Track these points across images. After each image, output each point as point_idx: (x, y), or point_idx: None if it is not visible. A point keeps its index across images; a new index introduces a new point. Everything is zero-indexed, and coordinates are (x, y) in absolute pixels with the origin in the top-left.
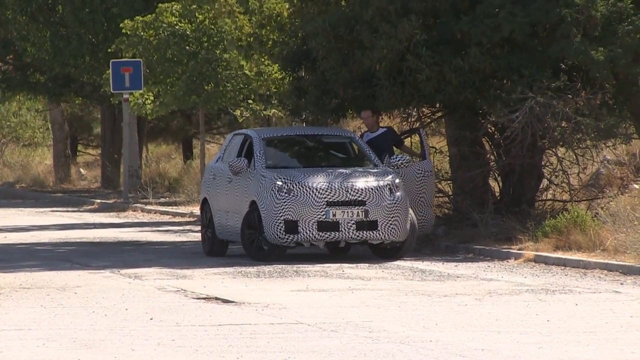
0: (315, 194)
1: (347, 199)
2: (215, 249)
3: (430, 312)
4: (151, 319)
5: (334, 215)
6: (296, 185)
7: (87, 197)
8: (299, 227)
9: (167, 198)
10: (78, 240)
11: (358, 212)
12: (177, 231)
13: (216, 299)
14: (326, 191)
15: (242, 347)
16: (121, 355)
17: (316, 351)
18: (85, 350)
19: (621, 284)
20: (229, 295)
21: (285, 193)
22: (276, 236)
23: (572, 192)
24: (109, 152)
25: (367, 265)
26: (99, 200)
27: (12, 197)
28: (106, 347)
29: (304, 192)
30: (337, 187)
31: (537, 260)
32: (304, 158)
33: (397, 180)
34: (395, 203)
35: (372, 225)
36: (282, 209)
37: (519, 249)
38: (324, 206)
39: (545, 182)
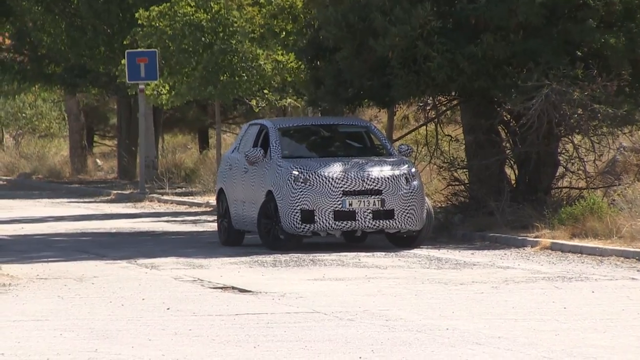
0: (331, 184)
1: (363, 188)
2: (231, 239)
3: (446, 300)
4: (168, 308)
5: (351, 204)
6: (312, 174)
7: (104, 188)
8: (315, 217)
9: (184, 188)
10: (95, 230)
11: (374, 201)
12: (193, 221)
13: (233, 288)
14: (342, 180)
15: (259, 336)
16: (138, 345)
17: (333, 340)
18: (102, 340)
19: (638, 271)
20: (246, 284)
21: (302, 183)
22: (293, 226)
23: (588, 179)
24: (125, 142)
25: (383, 253)
26: (115, 191)
27: (29, 189)
28: (123, 337)
29: (320, 181)
30: (353, 176)
31: (554, 247)
32: (320, 148)
33: (413, 170)
34: (411, 192)
35: (389, 214)
36: (299, 199)
37: (535, 237)
38: (341, 195)
39: (561, 169)
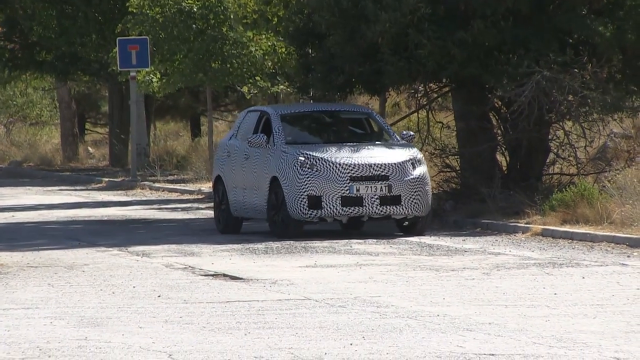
0: (338, 169)
1: (370, 174)
2: (229, 227)
3: (437, 286)
4: (159, 296)
5: (358, 190)
6: (319, 160)
7: (95, 176)
8: (322, 203)
9: (175, 176)
10: (86, 218)
11: (382, 187)
12: (185, 209)
13: (224, 275)
14: (349, 166)
15: (250, 323)
16: (129, 333)
17: (324, 327)
18: (92, 328)
19: (628, 256)
20: (237, 271)
21: (308, 168)
22: (299, 212)
23: (579, 165)
24: (117, 130)
25: (375, 240)
26: (107, 179)
27: (20, 176)
28: (114, 325)
29: (327, 167)
30: (360, 162)
31: (545, 233)
32: (323, 134)
33: (419, 155)
34: (417, 178)
35: (396, 200)
36: (306, 185)
37: (526, 223)
38: (348, 181)
39: (552, 156)
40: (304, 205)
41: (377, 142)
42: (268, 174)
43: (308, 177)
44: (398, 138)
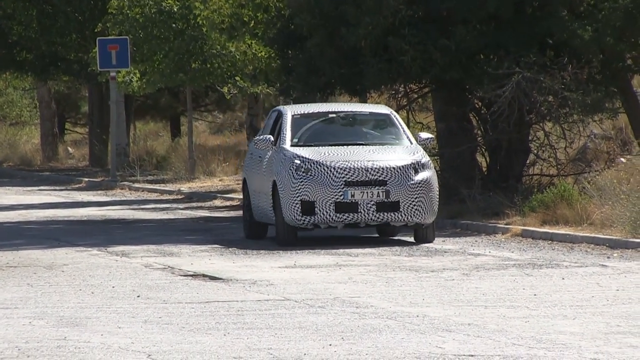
0: (333, 174)
1: (367, 179)
2: (253, 232)
3: (417, 287)
4: (138, 296)
5: (353, 195)
6: (314, 164)
7: (75, 176)
8: (315, 208)
9: (155, 176)
10: (66, 218)
11: (379, 193)
12: (164, 209)
13: (203, 276)
14: (345, 171)
15: (229, 323)
16: (107, 333)
17: (303, 327)
18: (71, 328)
19: (608, 257)
20: (217, 272)
21: (303, 172)
22: (293, 217)
23: (559, 166)
24: (97, 130)
25: (355, 241)
26: (86, 179)
27: (0, 176)
28: (93, 325)
29: (321, 171)
30: (356, 166)
31: (524, 234)
32: (334, 136)
33: (423, 160)
34: (419, 183)
35: (394, 207)
36: (299, 189)
37: (506, 224)
38: (342, 186)
39: (532, 156)
40: (297, 210)
41: (386, 145)
42: (271, 177)
43: (302, 182)
44: (413, 141)
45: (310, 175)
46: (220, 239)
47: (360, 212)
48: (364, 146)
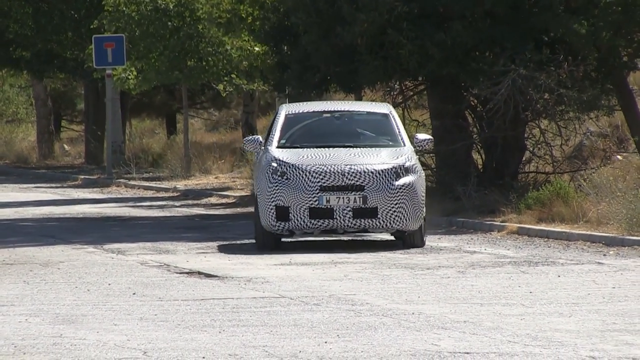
0: (308, 178)
1: (343, 184)
2: (260, 239)
3: (413, 284)
4: (134, 293)
5: (328, 201)
6: (290, 167)
7: (71, 173)
8: (290, 214)
9: (151, 173)
10: (61, 216)
11: (355, 198)
12: (160, 206)
13: (199, 273)
14: (320, 174)
15: (225, 321)
16: (103, 330)
17: (298, 325)
18: (67, 325)
19: (604, 255)
20: (212, 269)
21: (279, 176)
22: (269, 223)
23: (555, 164)
24: (93, 128)
25: (350, 238)
26: (82, 176)
27: None
28: (89, 322)
29: (296, 175)
30: (333, 170)
31: (520, 232)
32: (323, 137)
33: (407, 164)
34: (401, 188)
35: (372, 213)
36: (274, 194)
37: (502, 222)
38: (317, 191)
39: (528, 154)
40: (272, 216)
41: (375, 147)
42: (255, 180)
43: (277, 186)
44: (406, 142)
45: (286, 179)
46: (215, 236)
47: (336, 218)
48: (351, 148)
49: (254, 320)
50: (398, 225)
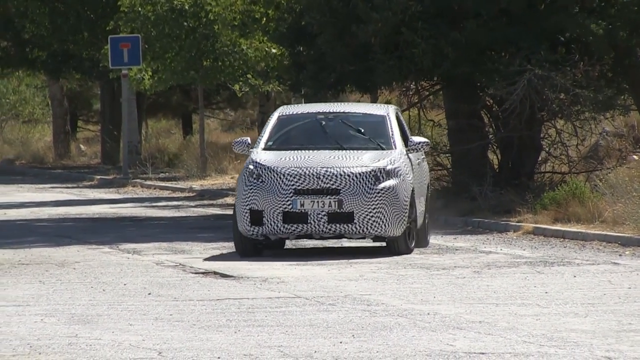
0: (282, 181)
1: (317, 187)
2: (269, 244)
3: (428, 285)
4: (149, 294)
5: (302, 205)
6: (265, 170)
7: (87, 173)
8: (264, 218)
9: (167, 173)
10: (77, 216)
11: (330, 202)
12: (176, 206)
13: (214, 273)
14: (294, 177)
15: (240, 321)
16: (119, 330)
17: (314, 325)
18: (83, 325)
19: (619, 255)
20: (227, 269)
21: (254, 179)
22: (244, 227)
23: (570, 164)
24: (109, 128)
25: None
26: (98, 176)
27: (12, 174)
28: (104, 322)
29: (271, 178)
30: (307, 172)
31: (536, 232)
32: (311, 139)
33: (390, 167)
34: (380, 192)
35: (348, 218)
36: (249, 197)
37: (517, 222)
38: (291, 195)
39: (543, 154)
40: (247, 220)
41: (361, 150)
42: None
43: (252, 189)
44: (399, 146)
45: (261, 182)
46: (231, 236)
47: (310, 223)
48: (332, 151)
49: (270, 321)
50: (376, 231)
